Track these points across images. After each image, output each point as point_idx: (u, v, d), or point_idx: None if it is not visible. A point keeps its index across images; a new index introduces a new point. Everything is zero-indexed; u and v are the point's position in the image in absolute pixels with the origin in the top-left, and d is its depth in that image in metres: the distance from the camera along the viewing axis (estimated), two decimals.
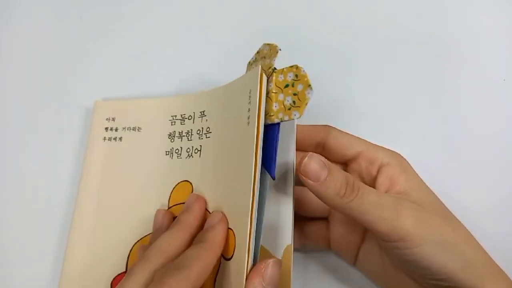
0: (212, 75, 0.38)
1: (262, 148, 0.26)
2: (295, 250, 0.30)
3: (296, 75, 0.26)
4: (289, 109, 0.26)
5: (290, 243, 0.27)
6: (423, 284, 0.27)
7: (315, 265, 0.33)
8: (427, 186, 0.29)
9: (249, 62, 0.29)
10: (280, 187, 0.28)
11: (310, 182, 0.25)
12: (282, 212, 0.27)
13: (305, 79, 0.25)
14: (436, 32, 0.37)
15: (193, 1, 0.41)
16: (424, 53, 0.36)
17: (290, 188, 0.28)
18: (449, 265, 0.25)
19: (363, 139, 0.30)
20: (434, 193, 0.29)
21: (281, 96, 0.26)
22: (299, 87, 0.26)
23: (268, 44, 0.28)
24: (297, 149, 0.28)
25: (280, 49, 0.27)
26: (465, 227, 0.28)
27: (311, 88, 0.25)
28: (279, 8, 0.40)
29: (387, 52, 0.37)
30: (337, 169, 0.26)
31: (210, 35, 0.40)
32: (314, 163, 0.25)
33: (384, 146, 0.30)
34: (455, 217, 0.28)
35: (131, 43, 0.41)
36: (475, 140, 0.34)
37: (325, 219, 0.32)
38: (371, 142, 0.30)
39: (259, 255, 0.25)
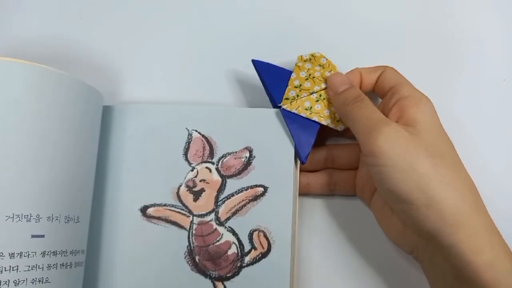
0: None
1: (301, 136, 0.31)
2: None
3: None
4: (338, 121, 0.31)
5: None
6: (402, 218, 0.28)
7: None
8: (440, 128, 0.29)
9: (301, 57, 0.33)
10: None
11: (330, 92, 0.31)
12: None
13: None
14: (436, 32, 0.36)
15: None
16: (423, 53, 0.36)
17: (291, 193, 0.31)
18: (413, 195, 0.25)
19: (406, 81, 0.30)
20: (446, 137, 0.28)
21: (333, 108, 0.31)
22: None
23: (326, 58, 0.32)
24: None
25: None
26: (464, 173, 0.27)
27: None
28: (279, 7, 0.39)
29: (386, 52, 0.36)
30: (355, 88, 0.30)
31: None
32: (338, 78, 0.31)
33: None
34: (457, 161, 0.28)
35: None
36: (474, 140, 0.34)
37: (353, 170, 0.33)
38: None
39: None
